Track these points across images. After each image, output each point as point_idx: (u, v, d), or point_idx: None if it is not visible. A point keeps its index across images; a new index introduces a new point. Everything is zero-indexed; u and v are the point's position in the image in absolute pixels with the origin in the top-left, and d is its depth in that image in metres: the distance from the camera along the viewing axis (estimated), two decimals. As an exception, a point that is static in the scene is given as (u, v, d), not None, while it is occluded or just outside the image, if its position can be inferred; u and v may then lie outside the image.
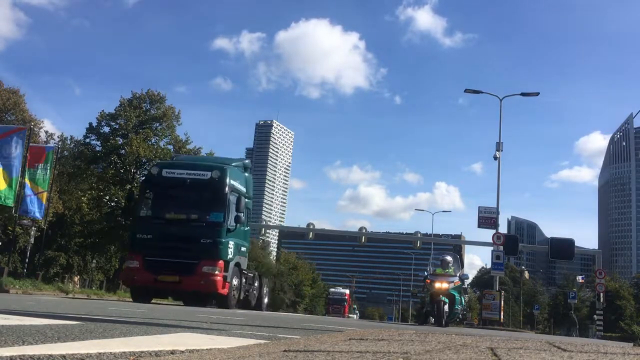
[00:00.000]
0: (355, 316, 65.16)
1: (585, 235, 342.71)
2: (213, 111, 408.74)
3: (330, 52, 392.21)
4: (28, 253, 27.06)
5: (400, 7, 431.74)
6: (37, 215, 26.04)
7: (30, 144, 27.24)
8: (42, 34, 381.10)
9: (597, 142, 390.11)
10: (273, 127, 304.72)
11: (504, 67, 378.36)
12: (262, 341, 3.80)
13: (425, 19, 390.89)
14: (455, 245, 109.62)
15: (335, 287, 79.62)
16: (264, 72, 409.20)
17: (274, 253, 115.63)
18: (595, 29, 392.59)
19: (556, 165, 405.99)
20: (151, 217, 15.34)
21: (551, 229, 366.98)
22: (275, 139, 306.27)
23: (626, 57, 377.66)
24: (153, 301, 16.56)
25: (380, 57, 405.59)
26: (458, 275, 15.65)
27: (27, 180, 25.54)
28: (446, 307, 14.67)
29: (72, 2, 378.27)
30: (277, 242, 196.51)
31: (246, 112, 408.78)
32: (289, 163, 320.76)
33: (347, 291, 69.68)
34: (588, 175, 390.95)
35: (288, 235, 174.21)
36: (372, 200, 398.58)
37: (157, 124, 38.42)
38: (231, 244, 15.25)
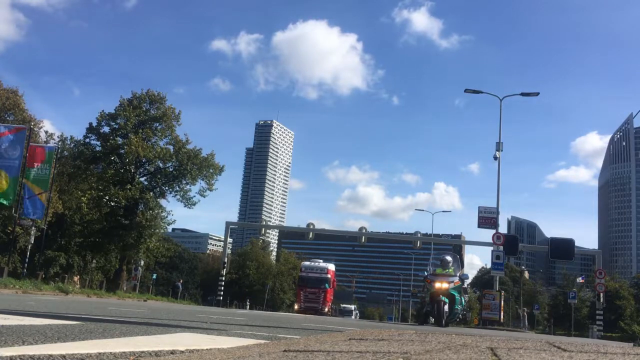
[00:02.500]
0: (355, 316, 60.75)
1: (585, 235, 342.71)
2: (212, 112, 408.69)
3: (327, 53, 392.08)
4: (28, 253, 27.04)
5: (396, 9, 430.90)
6: (37, 215, 26.07)
7: (30, 143, 27.23)
8: (42, 35, 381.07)
9: (594, 142, 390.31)
10: (273, 127, 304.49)
11: (500, 68, 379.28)
12: (262, 341, 3.80)
13: (421, 21, 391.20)
14: (455, 245, 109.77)
15: (313, 259, 44.54)
16: (261, 73, 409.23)
17: (274, 253, 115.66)
18: (595, 29, 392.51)
19: (553, 165, 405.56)
20: None
21: (551, 229, 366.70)
22: (275, 139, 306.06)
23: (626, 57, 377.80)
24: (151, 300, 16.55)
25: (377, 58, 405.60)
26: (458, 275, 15.63)
27: (26, 181, 25.58)
28: (446, 307, 14.67)
29: (71, 3, 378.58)
30: (277, 242, 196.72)
31: (245, 113, 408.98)
32: (289, 163, 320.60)
33: (332, 266, 40.72)
34: (585, 175, 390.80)
35: (288, 235, 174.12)
36: (370, 201, 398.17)
37: (157, 124, 38.42)
38: None
